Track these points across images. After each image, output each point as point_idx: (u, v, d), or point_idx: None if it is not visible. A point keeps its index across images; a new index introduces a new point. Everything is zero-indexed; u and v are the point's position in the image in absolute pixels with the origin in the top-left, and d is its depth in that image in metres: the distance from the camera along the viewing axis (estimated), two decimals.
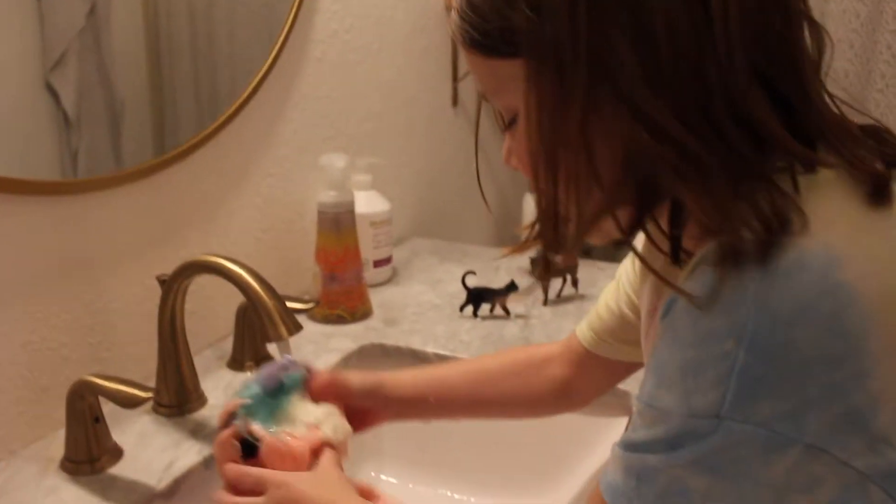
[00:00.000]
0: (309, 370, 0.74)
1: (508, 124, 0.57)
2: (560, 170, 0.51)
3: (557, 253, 0.56)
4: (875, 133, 0.54)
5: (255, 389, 0.70)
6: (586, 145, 0.50)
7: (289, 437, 0.68)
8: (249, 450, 0.68)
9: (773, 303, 0.44)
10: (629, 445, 0.50)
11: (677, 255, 0.56)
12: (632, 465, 0.50)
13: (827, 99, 0.53)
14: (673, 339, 0.48)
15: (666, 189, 0.51)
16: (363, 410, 0.80)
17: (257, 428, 0.69)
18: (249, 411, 0.70)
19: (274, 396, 0.70)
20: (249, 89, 1.12)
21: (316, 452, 0.69)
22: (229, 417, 0.71)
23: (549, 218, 0.53)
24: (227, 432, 0.70)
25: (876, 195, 0.49)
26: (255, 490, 0.67)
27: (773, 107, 0.49)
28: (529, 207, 1.80)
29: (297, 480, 0.66)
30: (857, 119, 0.55)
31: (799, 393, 0.44)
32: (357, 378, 0.79)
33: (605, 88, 0.48)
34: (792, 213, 0.46)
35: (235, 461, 0.69)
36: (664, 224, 0.55)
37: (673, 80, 0.47)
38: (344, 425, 0.72)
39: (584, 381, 0.82)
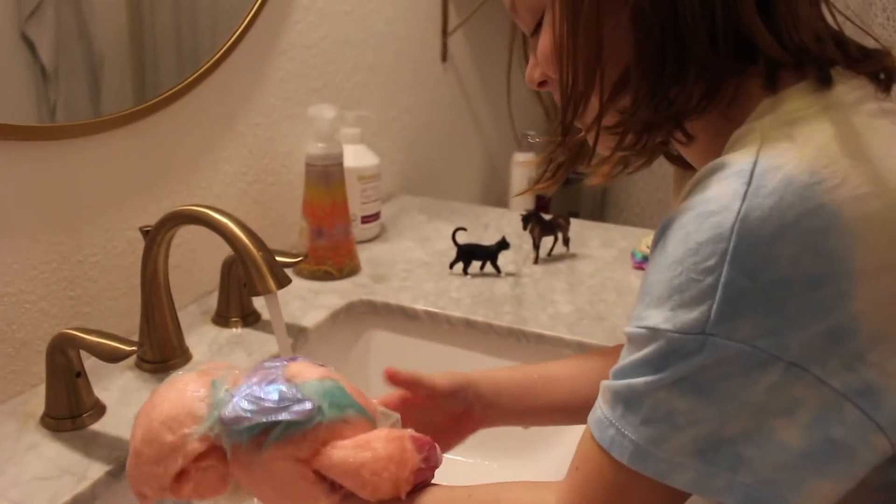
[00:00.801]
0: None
1: (534, 30, 0.58)
2: (580, 50, 0.53)
3: (576, 153, 0.58)
4: (879, 57, 0.54)
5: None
6: (599, 20, 0.52)
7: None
8: None
9: (756, 221, 0.45)
10: (616, 373, 0.51)
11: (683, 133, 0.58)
12: (618, 392, 0.50)
13: (826, 12, 0.55)
14: (663, 259, 0.49)
15: (671, 73, 0.52)
16: (454, 416, 0.74)
17: None
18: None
19: None
20: (234, 36, 1.08)
21: None
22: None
23: (572, 104, 0.55)
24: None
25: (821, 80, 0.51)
26: None
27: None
28: (518, 169, 1.77)
29: None
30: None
31: (780, 311, 0.45)
32: (443, 377, 0.73)
33: None
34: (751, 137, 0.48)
35: None
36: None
37: None
38: None
39: None
